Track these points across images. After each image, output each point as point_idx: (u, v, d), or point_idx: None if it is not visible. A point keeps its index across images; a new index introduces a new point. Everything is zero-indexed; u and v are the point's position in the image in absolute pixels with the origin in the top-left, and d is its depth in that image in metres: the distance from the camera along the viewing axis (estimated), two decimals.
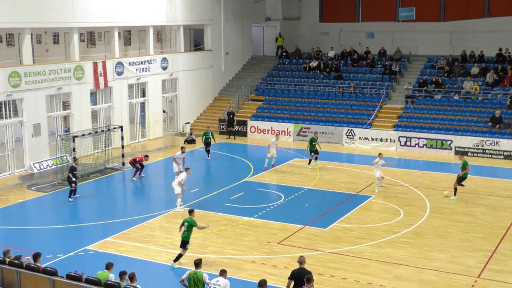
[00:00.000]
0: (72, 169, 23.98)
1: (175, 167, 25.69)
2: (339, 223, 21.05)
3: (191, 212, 17.51)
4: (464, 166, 23.65)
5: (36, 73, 28.20)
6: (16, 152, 27.99)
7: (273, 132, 35.59)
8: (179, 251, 17.39)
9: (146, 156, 27.44)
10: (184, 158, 26.09)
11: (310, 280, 12.24)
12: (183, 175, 22.63)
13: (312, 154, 28.82)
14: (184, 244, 17.27)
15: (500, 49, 36.38)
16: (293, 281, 13.31)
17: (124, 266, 14.67)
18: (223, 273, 13.21)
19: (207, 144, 30.71)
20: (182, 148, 26.43)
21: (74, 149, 26.21)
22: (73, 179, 23.81)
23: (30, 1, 27.67)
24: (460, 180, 23.77)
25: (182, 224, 17.27)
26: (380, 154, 24.90)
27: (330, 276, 16.56)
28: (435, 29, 39.69)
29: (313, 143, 28.70)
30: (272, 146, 28.53)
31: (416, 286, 16.04)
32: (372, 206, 22.90)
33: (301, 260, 13.52)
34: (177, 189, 22.34)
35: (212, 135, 30.87)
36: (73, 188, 23.89)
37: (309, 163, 29.05)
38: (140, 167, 27.10)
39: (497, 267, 17.31)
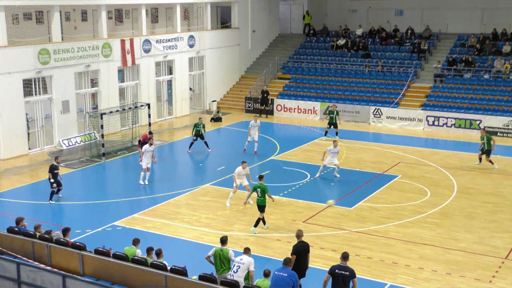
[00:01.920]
0: (52, 168, 21.21)
1: (144, 161, 22.88)
2: (365, 202, 21.01)
3: (261, 177, 18.28)
4: (489, 140, 24.34)
5: (64, 50, 28.45)
6: (45, 128, 28.42)
7: (299, 110, 35.52)
8: (205, 228, 17.49)
9: (150, 133, 25.41)
10: (153, 151, 23.09)
11: (346, 257, 12.42)
12: (237, 169, 20.40)
13: (328, 126, 29.75)
14: (262, 208, 18.00)
15: None
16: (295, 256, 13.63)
17: (151, 242, 14.84)
18: (247, 251, 13.23)
19: (198, 136, 27.45)
20: (150, 134, 23.77)
21: (102, 126, 26.46)
22: (52, 180, 21.15)
23: None
24: (488, 153, 24.55)
25: (254, 190, 17.96)
26: (334, 141, 24.23)
27: (355, 255, 16.55)
28: (466, 6, 38.85)
29: (331, 115, 29.47)
30: (252, 128, 27.04)
31: (442, 266, 15.96)
32: (398, 186, 22.75)
33: (299, 234, 13.95)
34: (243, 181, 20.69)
35: (204, 127, 27.59)
36: (54, 189, 21.23)
37: (325, 134, 30.06)
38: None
39: None
